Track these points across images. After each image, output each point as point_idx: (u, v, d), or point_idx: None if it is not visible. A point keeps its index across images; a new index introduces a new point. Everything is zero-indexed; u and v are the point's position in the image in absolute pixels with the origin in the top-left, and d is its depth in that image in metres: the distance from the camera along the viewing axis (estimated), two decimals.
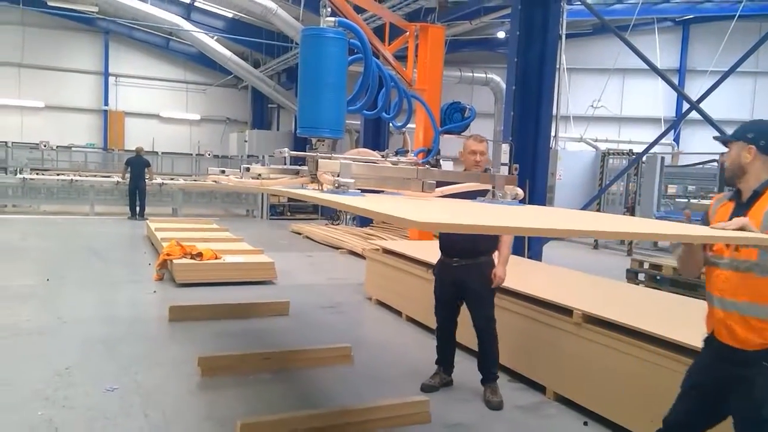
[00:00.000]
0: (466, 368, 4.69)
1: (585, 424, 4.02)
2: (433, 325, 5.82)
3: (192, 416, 3.93)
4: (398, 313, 6.71)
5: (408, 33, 10.28)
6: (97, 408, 3.92)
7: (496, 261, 4.39)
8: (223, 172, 4.34)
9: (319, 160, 3.06)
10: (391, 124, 5.47)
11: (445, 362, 4.64)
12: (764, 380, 2.37)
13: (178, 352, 5.18)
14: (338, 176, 2.83)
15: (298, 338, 5.75)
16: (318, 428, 3.65)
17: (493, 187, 3.44)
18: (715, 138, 2.83)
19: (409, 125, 5.59)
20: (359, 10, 11.33)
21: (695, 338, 3.51)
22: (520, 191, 3.42)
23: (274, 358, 4.89)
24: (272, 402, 4.21)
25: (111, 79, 24.30)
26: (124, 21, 21.35)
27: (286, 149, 3.49)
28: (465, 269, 4.33)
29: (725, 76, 9.17)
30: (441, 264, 4.55)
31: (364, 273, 7.85)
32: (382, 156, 3.86)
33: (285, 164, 3.49)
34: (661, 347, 3.61)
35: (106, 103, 24.32)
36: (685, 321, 4.20)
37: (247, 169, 3.29)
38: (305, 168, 3.28)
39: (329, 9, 3.33)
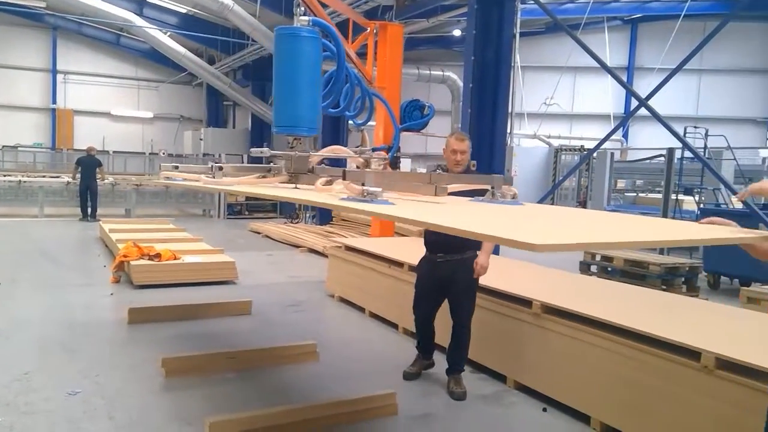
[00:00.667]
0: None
1: (544, 410, 4.18)
2: (397, 320, 5.97)
3: (159, 417, 3.91)
4: (361, 309, 6.77)
5: (368, 31, 10.33)
6: (60, 412, 3.86)
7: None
8: (177, 167, 4.33)
9: (346, 170, 3.01)
10: (351, 122, 5.53)
11: (427, 349, 4.75)
12: None
13: (140, 354, 5.12)
14: (363, 184, 2.75)
15: (263, 337, 5.75)
16: (288, 424, 3.68)
17: (492, 188, 3.49)
18: None
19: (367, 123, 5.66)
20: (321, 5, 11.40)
21: (647, 325, 3.71)
22: (515, 190, 3.50)
23: (240, 358, 4.89)
24: (239, 401, 4.21)
25: (59, 77, 23.60)
26: (73, 17, 20.74)
27: (266, 148, 3.49)
28: (451, 265, 4.38)
29: (672, 73, 9.50)
30: (426, 260, 4.57)
31: (325, 270, 7.88)
32: (355, 152, 3.93)
33: (263, 163, 3.50)
34: (616, 334, 3.78)
35: (54, 102, 23.59)
36: (636, 309, 4.41)
37: (220, 168, 3.28)
38: (275, 166, 3.30)
39: (303, 8, 3.34)
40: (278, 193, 3.20)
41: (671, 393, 3.46)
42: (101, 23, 20.48)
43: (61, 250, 10.70)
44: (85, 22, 21.27)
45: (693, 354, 3.35)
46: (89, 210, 15.05)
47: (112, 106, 24.50)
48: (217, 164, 3.33)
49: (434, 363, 4.79)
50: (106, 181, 15.73)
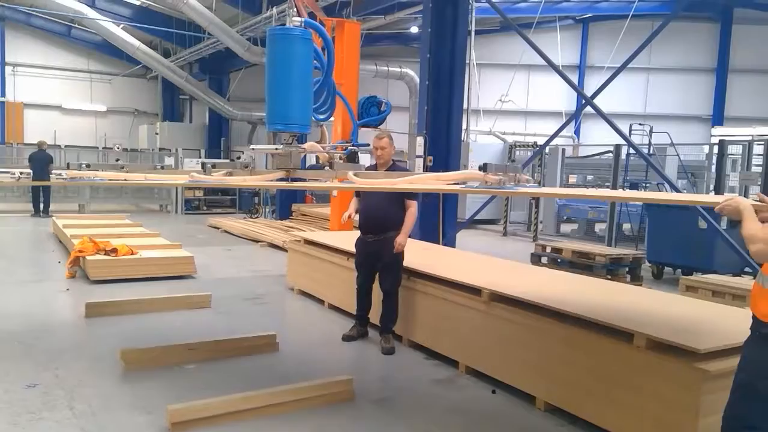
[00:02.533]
0: (405, 355, 4.98)
1: (493, 392, 4.42)
2: (355, 310, 6.15)
3: (119, 406, 3.98)
4: (321, 301, 6.90)
5: (325, 27, 10.44)
6: (20, 404, 3.90)
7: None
8: (88, 166, 4.48)
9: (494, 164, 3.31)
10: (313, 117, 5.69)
11: (362, 318, 5.57)
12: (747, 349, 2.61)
13: (99, 347, 5.16)
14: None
15: (222, 329, 5.81)
16: (247, 410, 3.81)
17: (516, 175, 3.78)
18: None
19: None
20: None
21: (586, 310, 3.97)
22: (529, 176, 3.93)
23: (199, 349, 4.96)
24: (200, 390, 4.26)
25: (8, 69, 22.85)
26: (22, 7, 20.13)
27: (276, 146, 3.74)
28: (378, 243, 5.26)
29: (617, 72, 9.90)
30: (360, 240, 5.47)
31: (285, 264, 7.98)
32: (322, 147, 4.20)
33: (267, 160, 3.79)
34: (557, 319, 4.03)
35: (3, 94, 22.85)
36: (578, 296, 4.67)
37: (213, 166, 3.45)
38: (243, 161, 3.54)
39: (295, 9, 3.66)
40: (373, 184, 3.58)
41: (608, 372, 3.72)
42: (51, 14, 19.93)
43: (13, 246, 10.50)
44: (34, 13, 20.65)
45: (627, 335, 3.62)
46: (41, 206, 14.75)
47: (63, 99, 23.87)
48: (210, 162, 3.57)
49: (368, 332, 5.60)
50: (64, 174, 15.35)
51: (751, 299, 2.64)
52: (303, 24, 3.74)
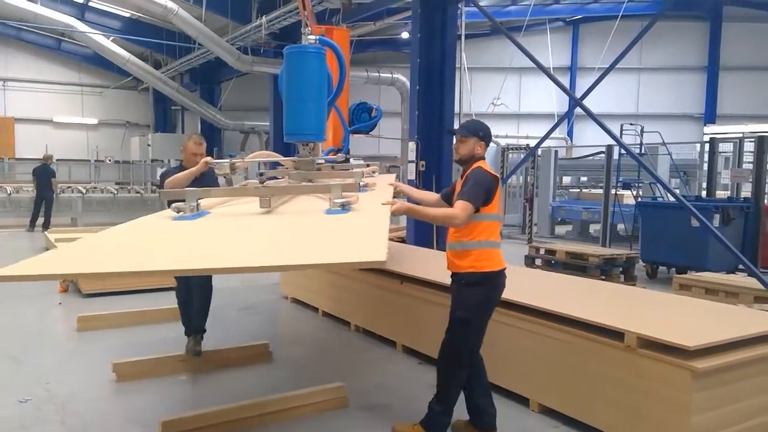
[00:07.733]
0: (399, 362, 4.93)
1: None
2: (348, 317, 6.15)
3: (111, 420, 3.96)
4: (315, 309, 6.88)
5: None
6: (12, 419, 3.88)
7: None
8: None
9: None
10: None
11: (194, 330, 5.11)
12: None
13: (91, 360, 5.13)
14: None
15: (215, 340, 5.75)
16: (240, 420, 3.79)
17: None
18: (449, 131, 3.90)
19: None
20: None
21: (577, 310, 3.97)
22: None
23: (191, 360, 4.95)
24: (192, 402, 4.27)
25: None
26: (12, 22, 20.08)
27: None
28: None
29: (606, 72, 9.92)
30: None
31: (278, 273, 7.95)
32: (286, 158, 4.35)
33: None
34: (549, 320, 4.02)
35: None
36: (570, 297, 4.67)
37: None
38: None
39: (309, 28, 4.07)
40: None
41: (600, 372, 3.72)
42: (42, 28, 19.92)
43: (6, 260, 10.40)
44: (24, 27, 20.66)
45: (618, 335, 3.61)
46: (42, 220, 14.66)
47: (54, 113, 23.85)
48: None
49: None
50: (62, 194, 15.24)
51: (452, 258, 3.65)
52: (317, 41, 4.05)
